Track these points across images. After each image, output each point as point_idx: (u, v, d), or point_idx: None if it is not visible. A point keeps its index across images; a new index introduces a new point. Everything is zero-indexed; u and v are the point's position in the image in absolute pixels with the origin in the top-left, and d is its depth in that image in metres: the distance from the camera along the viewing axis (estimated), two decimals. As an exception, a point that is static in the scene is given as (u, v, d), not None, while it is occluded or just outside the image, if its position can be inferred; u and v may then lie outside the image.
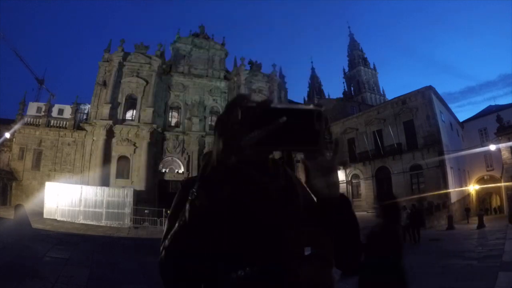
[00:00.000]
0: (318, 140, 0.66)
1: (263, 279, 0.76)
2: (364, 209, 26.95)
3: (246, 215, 0.81)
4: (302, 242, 0.81)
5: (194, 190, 0.72)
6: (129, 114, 27.80)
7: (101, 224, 18.62)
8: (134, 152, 26.12)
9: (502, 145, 22.97)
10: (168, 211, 0.92)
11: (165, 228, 0.87)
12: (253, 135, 0.62)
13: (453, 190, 24.13)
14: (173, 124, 29.84)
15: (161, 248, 0.80)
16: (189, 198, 0.73)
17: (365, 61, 64.68)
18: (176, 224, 0.76)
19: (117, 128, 26.03)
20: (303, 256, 0.80)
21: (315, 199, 0.85)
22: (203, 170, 0.91)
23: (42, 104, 28.11)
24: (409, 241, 12.47)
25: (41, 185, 21.10)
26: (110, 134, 25.70)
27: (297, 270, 0.78)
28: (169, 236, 0.77)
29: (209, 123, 30.24)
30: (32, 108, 27.98)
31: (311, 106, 0.66)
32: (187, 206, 0.73)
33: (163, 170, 27.56)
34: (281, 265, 0.78)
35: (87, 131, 25.92)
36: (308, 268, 0.80)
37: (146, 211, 20.73)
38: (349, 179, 30.43)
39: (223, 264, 0.76)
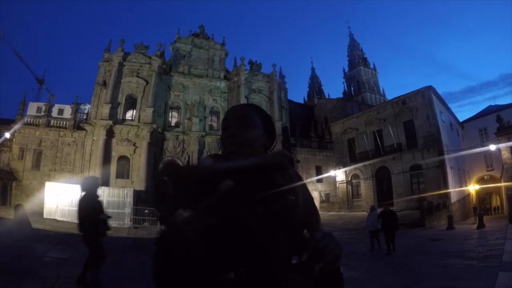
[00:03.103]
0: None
1: (249, 283, 0.78)
2: (364, 209, 27.04)
3: (242, 228, 0.81)
4: (291, 250, 0.83)
5: (186, 217, 0.73)
6: (129, 114, 27.77)
7: (101, 224, 18.59)
8: (134, 152, 26.11)
9: (502, 145, 22.91)
10: None
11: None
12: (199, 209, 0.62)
13: (453, 190, 24.11)
14: (173, 124, 29.82)
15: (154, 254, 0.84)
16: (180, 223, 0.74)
17: (365, 61, 64.56)
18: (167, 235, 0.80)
19: (117, 128, 26.02)
20: (291, 264, 0.82)
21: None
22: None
23: (42, 104, 28.11)
24: (382, 249, 10.58)
25: (41, 185, 21.07)
26: (110, 134, 25.68)
27: (283, 277, 0.80)
28: (160, 244, 0.82)
29: (209, 123, 30.29)
30: (32, 108, 27.98)
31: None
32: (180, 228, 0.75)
33: (163, 170, 27.52)
34: (268, 271, 0.79)
35: (87, 131, 25.91)
36: (293, 277, 0.81)
37: (146, 211, 20.67)
38: (349, 179, 30.43)
39: (214, 268, 0.78)
